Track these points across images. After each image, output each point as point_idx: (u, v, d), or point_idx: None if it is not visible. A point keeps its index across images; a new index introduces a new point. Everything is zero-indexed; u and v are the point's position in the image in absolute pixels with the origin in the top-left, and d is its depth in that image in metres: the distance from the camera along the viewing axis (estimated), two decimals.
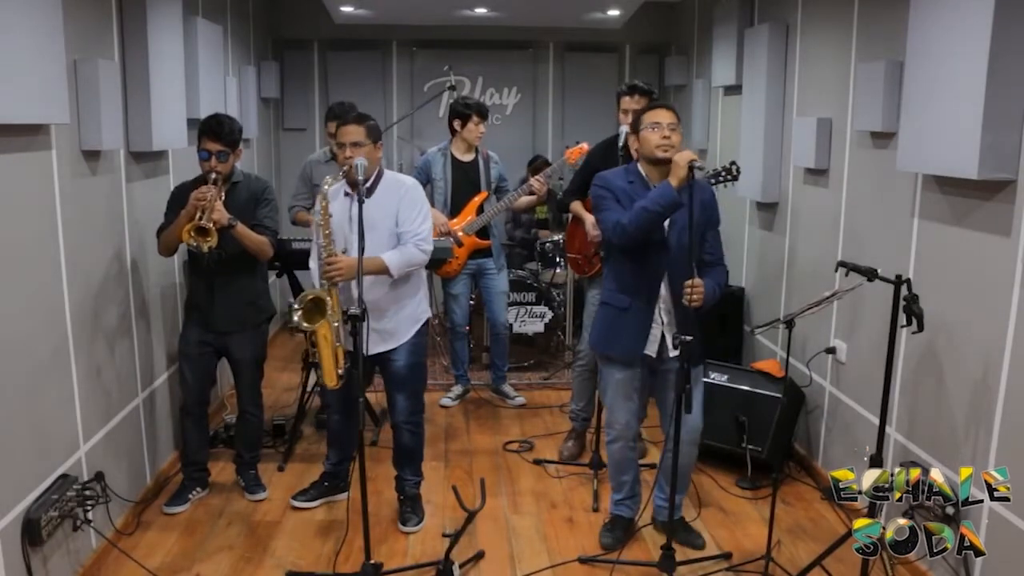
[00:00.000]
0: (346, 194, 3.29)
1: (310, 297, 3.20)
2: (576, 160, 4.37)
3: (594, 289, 4.20)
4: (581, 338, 4.30)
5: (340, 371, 3.21)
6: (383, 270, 3.22)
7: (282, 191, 6.62)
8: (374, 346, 3.28)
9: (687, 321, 2.90)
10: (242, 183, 3.55)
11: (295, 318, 3.17)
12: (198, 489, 3.73)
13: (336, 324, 3.19)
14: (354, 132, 3.22)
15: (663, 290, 3.07)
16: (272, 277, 6.24)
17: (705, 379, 3.58)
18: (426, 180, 4.72)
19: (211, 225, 3.23)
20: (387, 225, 3.29)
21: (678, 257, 2.95)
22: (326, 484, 3.71)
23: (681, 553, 3.11)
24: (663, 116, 3.01)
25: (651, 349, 3.12)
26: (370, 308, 3.09)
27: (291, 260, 4.20)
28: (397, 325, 3.36)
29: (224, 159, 3.40)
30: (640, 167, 3.11)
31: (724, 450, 3.97)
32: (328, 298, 3.18)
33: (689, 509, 3.60)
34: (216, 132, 3.37)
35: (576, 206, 4.17)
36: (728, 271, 3.22)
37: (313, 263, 3.42)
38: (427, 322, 3.50)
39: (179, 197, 3.44)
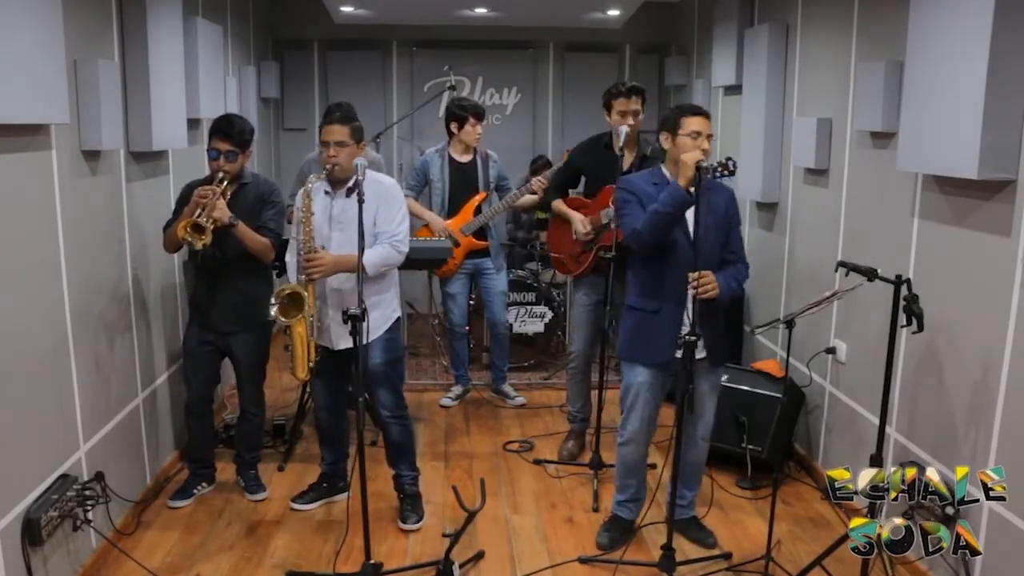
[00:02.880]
0: (326, 192, 3.34)
1: (287, 292, 3.25)
2: None
3: (581, 289, 4.17)
4: (571, 340, 4.28)
5: (311, 363, 3.32)
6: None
7: (282, 191, 6.61)
8: (342, 341, 3.35)
9: (709, 320, 2.90)
10: (251, 184, 3.56)
11: (271, 312, 3.23)
12: (204, 484, 3.75)
13: (311, 319, 3.28)
14: (338, 132, 3.26)
15: (690, 291, 3.05)
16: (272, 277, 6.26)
17: None
18: (424, 181, 4.72)
19: (208, 223, 3.24)
20: (366, 224, 3.25)
21: (705, 257, 2.93)
22: (324, 485, 3.71)
23: (681, 553, 3.11)
24: (703, 125, 3.01)
25: (679, 352, 3.09)
26: (340, 304, 3.22)
27: None
28: (371, 322, 3.26)
29: (232, 159, 3.41)
30: (665, 169, 3.11)
31: (724, 450, 3.97)
32: (305, 293, 3.24)
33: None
34: (226, 132, 3.40)
35: (559, 204, 4.15)
36: (748, 267, 3.21)
37: (290, 257, 3.45)
38: (398, 320, 3.50)
39: (187, 195, 3.44)
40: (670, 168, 3.09)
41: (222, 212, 3.29)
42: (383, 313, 3.40)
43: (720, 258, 3.11)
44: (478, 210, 4.69)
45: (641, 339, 3.16)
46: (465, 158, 4.74)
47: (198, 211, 3.24)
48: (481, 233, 4.73)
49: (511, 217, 6.33)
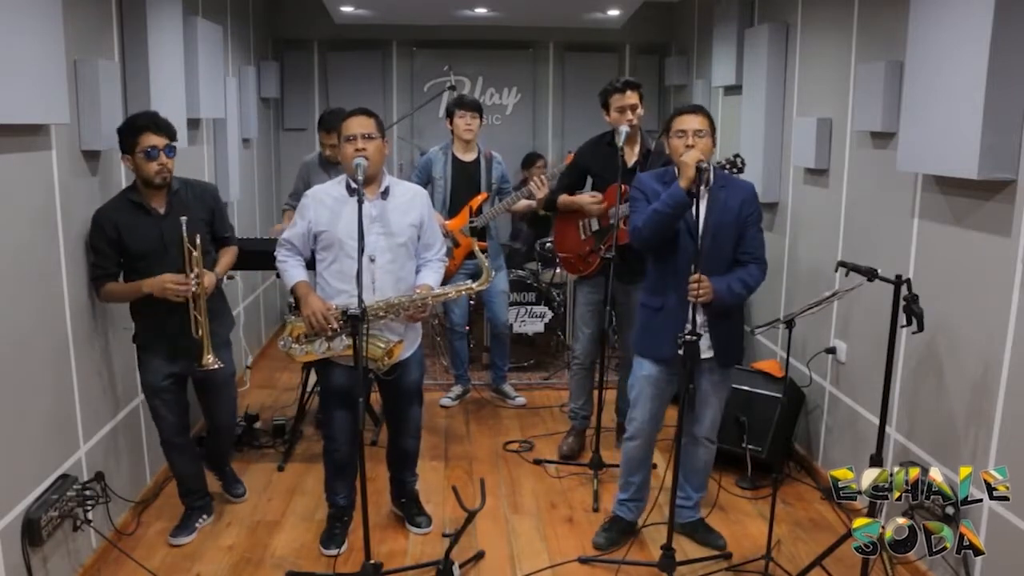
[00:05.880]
0: (350, 193, 3.07)
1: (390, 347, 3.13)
2: None
3: (586, 288, 4.16)
4: (576, 338, 4.29)
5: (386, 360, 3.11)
6: None
7: (282, 191, 6.63)
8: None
9: (718, 321, 2.89)
10: (182, 190, 3.20)
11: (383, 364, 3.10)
12: (204, 517, 3.50)
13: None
14: (365, 123, 3.04)
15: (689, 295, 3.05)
16: (272, 277, 6.26)
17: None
18: (426, 179, 4.70)
19: (204, 298, 3.09)
20: (411, 233, 3.16)
21: (711, 256, 2.94)
22: (346, 519, 3.40)
23: (681, 553, 3.11)
24: (688, 123, 3.01)
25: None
26: (387, 320, 3.08)
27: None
28: (407, 338, 3.23)
29: (172, 154, 3.06)
30: (676, 169, 3.11)
31: (724, 450, 3.95)
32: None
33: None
34: (158, 124, 3.03)
35: (564, 197, 4.12)
36: (765, 267, 3.15)
37: (289, 257, 3.17)
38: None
39: (105, 229, 3.04)
40: (678, 169, 3.10)
41: (211, 282, 3.14)
42: (415, 329, 3.30)
43: (732, 258, 3.08)
44: (479, 211, 4.68)
45: (647, 335, 3.18)
46: (468, 157, 4.72)
47: (194, 307, 3.05)
48: (481, 234, 4.72)
49: (511, 233, 6.33)
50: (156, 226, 3.11)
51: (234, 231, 3.50)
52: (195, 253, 3.08)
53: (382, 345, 3.06)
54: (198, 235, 3.09)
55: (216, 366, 3.16)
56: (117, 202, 3.12)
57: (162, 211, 3.13)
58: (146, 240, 3.08)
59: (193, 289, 3.06)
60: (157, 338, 3.20)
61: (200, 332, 3.11)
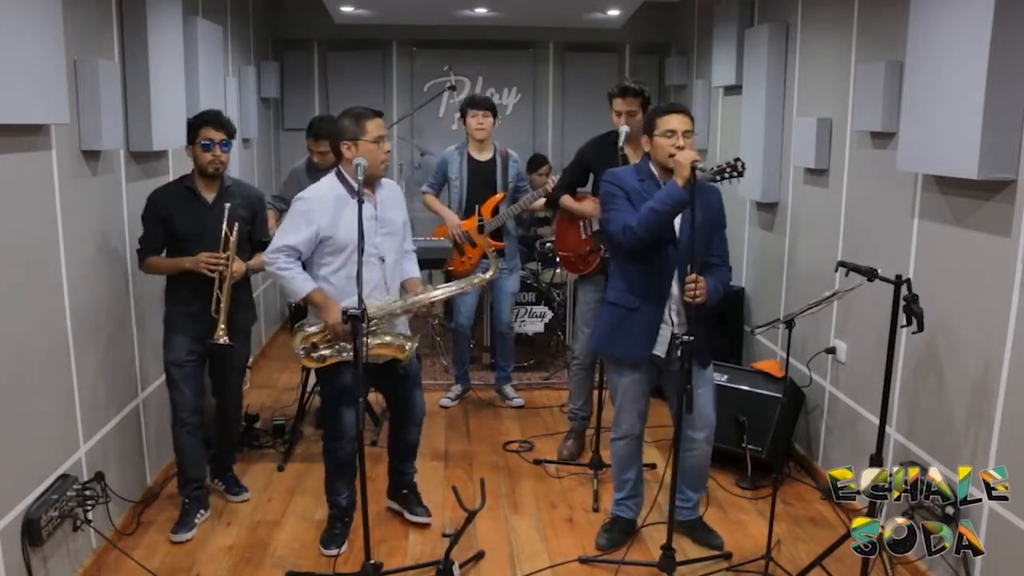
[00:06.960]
0: (351, 194, 3.10)
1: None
2: None
3: (588, 287, 4.18)
4: (576, 337, 4.29)
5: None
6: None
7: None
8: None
9: (696, 321, 2.90)
10: (233, 187, 3.45)
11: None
12: (202, 511, 3.51)
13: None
14: (383, 126, 3.15)
15: (673, 290, 3.06)
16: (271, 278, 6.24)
17: None
18: (443, 180, 4.70)
19: (230, 284, 3.26)
20: (403, 230, 3.28)
21: (688, 257, 2.94)
22: (347, 519, 3.38)
23: (681, 553, 3.11)
24: (678, 123, 3.00)
25: (660, 350, 3.10)
26: (392, 316, 3.16)
27: None
28: (406, 329, 3.31)
29: (227, 149, 3.34)
30: (651, 166, 3.11)
31: (724, 450, 3.97)
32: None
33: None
34: (219, 121, 3.32)
35: (567, 200, 4.14)
36: (732, 271, 3.24)
37: (291, 264, 3.11)
38: None
39: (158, 207, 3.32)
40: (656, 167, 3.09)
41: (240, 268, 3.32)
42: (406, 320, 3.35)
43: (703, 260, 3.07)
44: (495, 210, 4.67)
45: (619, 335, 3.15)
46: (484, 156, 4.69)
47: (217, 283, 3.23)
48: (497, 234, 4.71)
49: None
50: (202, 213, 3.35)
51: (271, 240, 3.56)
52: (232, 238, 3.28)
53: (408, 345, 3.17)
54: (236, 223, 3.31)
55: (223, 340, 3.26)
56: (172, 186, 3.42)
57: (210, 200, 3.36)
58: (191, 224, 3.32)
59: (222, 269, 3.26)
60: (183, 318, 3.41)
61: (218, 311, 3.27)
